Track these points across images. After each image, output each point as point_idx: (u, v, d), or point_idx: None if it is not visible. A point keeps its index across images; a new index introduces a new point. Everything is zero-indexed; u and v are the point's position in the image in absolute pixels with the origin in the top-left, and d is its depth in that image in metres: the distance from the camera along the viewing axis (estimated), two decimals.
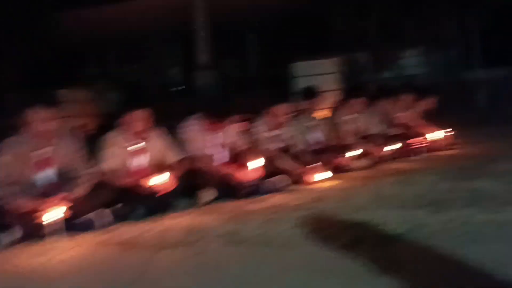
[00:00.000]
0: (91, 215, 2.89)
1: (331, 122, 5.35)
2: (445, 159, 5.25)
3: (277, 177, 3.94)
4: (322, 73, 14.58)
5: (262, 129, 4.40)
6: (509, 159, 4.63)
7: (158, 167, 3.44)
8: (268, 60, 21.37)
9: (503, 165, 4.24)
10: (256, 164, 3.68)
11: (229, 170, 3.70)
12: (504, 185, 3.33)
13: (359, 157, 5.11)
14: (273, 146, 4.43)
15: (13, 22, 14.42)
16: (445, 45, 15.16)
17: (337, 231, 2.47)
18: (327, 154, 4.86)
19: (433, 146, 6.08)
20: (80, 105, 15.52)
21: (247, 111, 14.95)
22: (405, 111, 6.53)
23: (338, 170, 4.78)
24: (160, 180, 3.19)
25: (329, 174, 4.20)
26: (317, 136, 5.05)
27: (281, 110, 4.35)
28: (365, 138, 5.59)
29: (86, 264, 2.33)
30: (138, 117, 3.31)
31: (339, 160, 4.80)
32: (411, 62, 17.65)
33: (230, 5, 17.65)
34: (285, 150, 4.58)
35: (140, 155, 3.41)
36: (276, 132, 4.47)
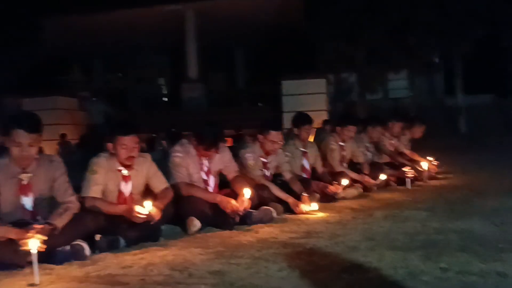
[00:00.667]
0: (69, 247, 2.75)
1: (319, 150, 5.30)
2: (432, 192, 5.24)
3: (266, 207, 3.85)
4: (309, 92, 14.67)
5: (252, 156, 4.31)
6: (496, 194, 4.65)
7: (143, 195, 3.32)
8: (256, 76, 21.48)
9: (491, 202, 4.23)
10: (248, 192, 3.58)
11: (219, 198, 3.60)
12: (495, 226, 3.30)
13: (347, 186, 5.08)
14: (263, 173, 4.35)
15: None
16: (428, 70, 15.45)
17: (329, 276, 2.38)
18: (315, 182, 4.82)
19: (420, 176, 6.08)
20: (64, 113, 15.28)
21: (233, 126, 14.86)
22: (393, 139, 6.55)
23: (326, 198, 4.73)
24: (145, 209, 3.06)
25: (315, 206, 4.11)
26: (306, 164, 5.00)
27: (273, 136, 4.27)
28: (353, 166, 5.58)
29: None
30: (126, 143, 3.19)
31: (327, 189, 4.74)
32: (397, 85, 17.94)
33: (220, 20, 17.76)
34: (274, 179, 4.53)
35: (125, 182, 3.29)
36: (266, 159, 4.40)
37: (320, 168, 5.16)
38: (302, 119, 4.96)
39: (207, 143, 3.67)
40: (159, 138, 13.86)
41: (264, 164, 4.40)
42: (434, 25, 12.11)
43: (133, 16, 17.87)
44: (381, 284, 2.24)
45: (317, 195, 4.71)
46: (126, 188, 3.29)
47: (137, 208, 3.04)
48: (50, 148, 13.73)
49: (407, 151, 6.70)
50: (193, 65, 19.06)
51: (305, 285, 2.28)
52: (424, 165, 6.20)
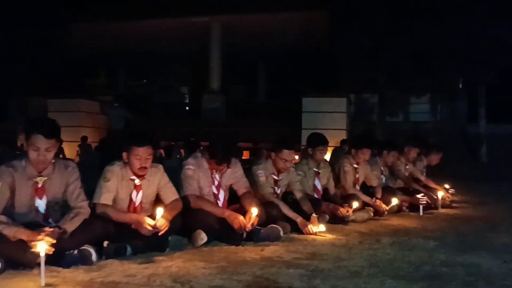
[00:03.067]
0: (77, 251, 2.82)
1: (333, 171, 5.30)
2: (444, 221, 5.18)
3: (273, 225, 3.87)
4: (330, 111, 14.68)
5: (264, 172, 4.35)
6: (509, 229, 4.57)
7: (153, 206, 3.38)
8: (277, 90, 21.59)
9: (503, 237, 4.17)
10: (255, 211, 3.61)
11: (228, 213, 3.63)
12: (504, 263, 3.25)
13: (358, 208, 5.07)
14: (273, 191, 4.38)
15: (26, 30, 14.62)
16: (451, 96, 15.30)
17: None
18: (326, 203, 4.82)
19: (433, 203, 6.02)
20: (86, 116, 15.60)
21: (251, 139, 14.89)
22: (408, 164, 6.50)
23: (335, 220, 4.73)
24: (154, 221, 3.12)
25: (323, 227, 4.11)
26: (318, 184, 5.00)
27: (286, 155, 4.30)
28: (365, 189, 5.56)
29: None
30: (140, 154, 3.26)
31: (338, 211, 4.73)
32: (418, 109, 17.80)
33: (245, 33, 17.96)
34: (285, 196, 4.55)
35: (136, 191, 3.36)
36: (278, 177, 4.43)
37: (332, 189, 5.15)
38: (317, 140, 4.97)
39: (220, 157, 3.72)
40: (177, 147, 14.02)
41: (275, 181, 4.42)
42: (458, 51, 12.02)
43: (160, 25, 18.21)
44: None
45: (327, 216, 4.72)
46: (137, 197, 3.36)
47: (147, 220, 3.10)
48: (71, 149, 14.02)
49: (422, 177, 6.65)
50: (215, 76, 19.30)
51: None
52: (439, 193, 6.14)
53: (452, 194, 6.73)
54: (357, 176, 5.50)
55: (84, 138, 14.24)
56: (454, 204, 6.55)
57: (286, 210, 4.18)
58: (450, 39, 11.66)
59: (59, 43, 16.01)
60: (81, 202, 3.04)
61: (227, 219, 3.60)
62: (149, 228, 3.09)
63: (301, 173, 4.92)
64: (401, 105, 16.24)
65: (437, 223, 4.99)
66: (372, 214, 5.15)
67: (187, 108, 24.86)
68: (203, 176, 3.82)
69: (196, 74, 23.08)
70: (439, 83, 13.27)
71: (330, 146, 13.72)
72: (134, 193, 3.36)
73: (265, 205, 4.08)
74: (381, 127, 14.77)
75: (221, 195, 3.89)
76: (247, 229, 3.58)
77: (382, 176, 5.99)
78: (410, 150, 6.45)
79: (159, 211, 3.12)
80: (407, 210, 5.84)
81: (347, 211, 4.75)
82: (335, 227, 4.49)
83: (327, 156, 13.19)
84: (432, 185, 6.53)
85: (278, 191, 4.46)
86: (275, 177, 4.42)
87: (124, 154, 3.32)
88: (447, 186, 6.98)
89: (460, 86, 14.35)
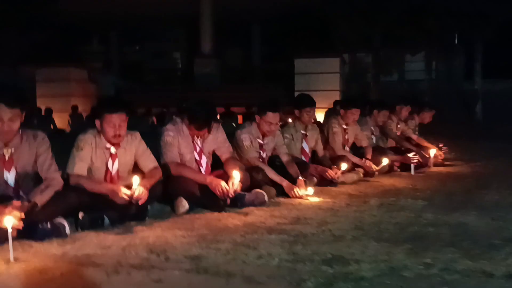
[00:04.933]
0: (49, 224, 2.72)
1: (321, 132, 5.17)
2: (435, 179, 5.10)
3: (258, 190, 3.78)
4: (323, 71, 14.41)
5: (248, 136, 4.22)
6: (499, 187, 4.49)
7: (130, 174, 3.27)
8: (272, 53, 21.18)
9: (492, 195, 4.10)
10: (237, 175, 3.50)
11: (210, 180, 3.53)
12: (492, 221, 3.18)
13: (347, 170, 4.98)
14: (258, 155, 4.26)
15: None
16: (447, 53, 15.02)
17: (306, 268, 2.31)
18: (314, 166, 4.72)
19: (425, 162, 5.94)
20: (75, 84, 15.31)
21: (245, 103, 14.66)
22: (400, 123, 6.38)
23: (324, 183, 4.64)
24: (131, 190, 3.01)
25: (311, 190, 4.02)
26: (306, 147, 4.88)
27: (271, 118, 4.16)
28: (356, 150, 5.46)
29: (33, 280, 2.17)
30: (113, 121, 3.12)
31: (326, 173, 4.64)
32: (413, 67, 17.53)
33: None
34: (273, 160, 4.44)
35: (112, 160, 3.24)
36: (263, 141, 4.30)
37: (320, 151, 5.04)
38: (304, 101, 4.82)
39: (199, 122, 3.59)
40: (169, 113, 13.83)
41: (261, 145, 4.30)
42: (454, 6, 11.69)
43: None
44: (358, 279, 2.16)
45: (315, 179, 4.63)
46: (113, 167, 3.24)
47: (123, 190, 2.99)
48: (62, 120, 13.83)
49: (414, 136, 6.54)
50: (207, 40, 18.86)
51: (279, 276, 2.21)
52: (431, 151, 6.04)
53: (444, 152, 6.63)
54: (346, 137, 5.38)
55: (74, 108, 14.02)
56: (446, 162, 6.47)
57: (272, 174, 4.08)
58: None
59: (47, 9, 15.56)
60: (53, 173, 2.92)
61: (209, 185, 3.50)
62: (125, 197, 2.98)
63: (288, 136, 4.80)
64: (395, 64, 15.97)
65: (427, 182, 4.91)
66: (362, 175, 5.07)
67: (179, 73, 24.50)
68: (183, 142, 3.70)
69: (189, 38, 22.61)
70: (435, 40, 12.96)
71: (323, 108, 13.64)
72: (110, 162, 3.23)
73: (250, 169, 3.98)
74: (375, 87, 14.57)
75: (204, 161, 3.78)
76: (230, 195, 3.49)
77: (373, 136, 5.86)
78: (402, 108, 6.32)
79: (135, 179, 3.00)
80: (399, 169, 5.75)
81: (336, 173, 4.66)
82: (323, 189, 4.40)
83: (320, 117, 13.15)
84: (424, 143, 6.43)
85: (264, 155, 4.34)
86: (260, 141, 4.29)
87: (97, 122, 3.18)
88: (440, 144, 6.89)
89: (456, 42, 14.03)
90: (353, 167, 5.14)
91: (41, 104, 13.96)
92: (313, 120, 4.91)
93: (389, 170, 5.60)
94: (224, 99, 14.77)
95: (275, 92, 14.68)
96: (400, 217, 3.30)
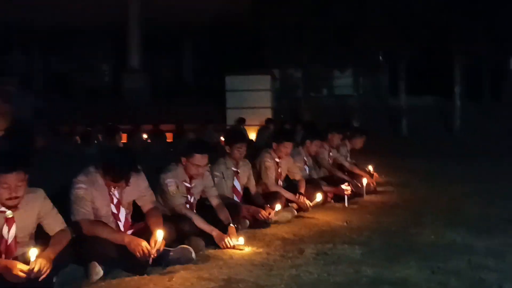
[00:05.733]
0: None
1: (254, 167, 4.91)
2: (369, 213, 4.99)
3: (184, 246, 3.39)
4: (254, 89, 14.26)
5: (174, 181, 3.83)
6: (432, 222, 4.46)
7: (32, 240, 2.79)
8: (204, 68, 20.74)
9: (427, 236, 4.02)
10: (161, 234, 3.11)
11: (128, 239, 3.11)
12: (429, 275, 3.04)
13: (281, 206, 4.75)
14: (186, 201, 3.89)
15: None
16: (373, 70, 15.48)
17: None
18: (246, 206, 4.42)
19: (358, 191, 5.86)
20: None
21: (175, 121, 14.07)
22: (332, 150, 6.28)
23: (257, 224, 4.36)
24: (30, 263, 2.54)
25: (242, 240, 3.71)
26: (237, 185, 4.58)
27: (198, 160, 3.81)
28: (289, 182, 5.25)
29: None
30: (7, 182, 2.62)
31: (259, 214, 4.36)
32: (342, 83, 17.88)
33: (165, 7, 16.84)
34: (200, 204, 4.09)
35: (8, 226, 2.73)
36: (190, 184, 3.94)
37: (253, 188, 4.75)
38: (234, 137, 4.54)
39: (116, 174, 3.16)
40: (95, 132, 13.01)
41: (188, 189, 3.93)
42: (379, 27, 12.01)
43: None
44: None
45: (247, 222, 4.34)
46: (10, 234, 2.74)
47: (18, 265, 2.51)
48: None
49: (346, 164, 6.46)
50: (135, 53, 18.13)
51: None
52: (364, 180, 5.97)
53: (376, 179, 6.61)
54: (279, 170, 5.14)
55: None
56: (378, 188, 6.44)
57: (201, 223, 3.72)
58: (371, 16, 11.58)
59: None
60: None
61: (127, 246, 3.08)
62: (22, 274, 2.50)
63: (218, 174, 4.48)
64: (325, 80, 16.22)
65: (362, 218, 4.78)
66: (296, 211, 4.84)
67: (108, 88, 23.36)
68: (98, 194, 3.24)
69: (118, 51, 21.63)
70: (362, 58, 13.26)
71: (255, 125, 13.41)
72: (5, 228, 2.73)
73: (176, 219, 3.61)
74: (306, 103, 14.64)
75: (122, 215, 3.35)
76: (152, 256, 3.09)
77: (306, 166, 5.69)
78: (334, 136, 6.22)
79: (33, 252, 2.53)
80: (332, 200, 5.61)
81: (269, 213, 4.39)
82: (256, 234, 4.11)
83: (252, 135, 12.94)
84: (357, 171, 6.37)
85: (192, 199, 3.98)
86: (187, 184, 3.93)
87: None
88: (370, 168, 6.88)
89: (381, 59, 14.46)
90: (287, 203, 4.91)
91: None
92: (243, 156, 4.60)
93: (323, 202, 5.43)
94: (154, 116, 14.21)
95: (207, 109, 14.34)
96: (339, 274, 3.07)
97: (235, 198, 4.56)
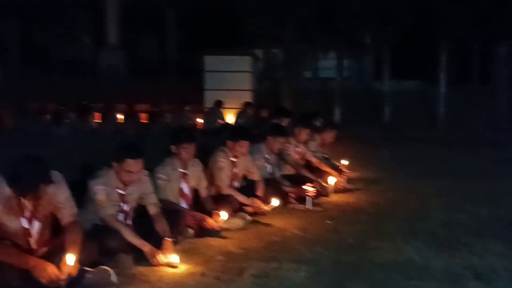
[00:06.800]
0: None
1: (207, 167, 4.51)
2: (329, 219, 4.62)
3: (103, 267, 3.00)
4: (233, 70, 13.72)
5: (104, 188, 3.42)
6: (394, 234, 4.11)
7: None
8: (186, 46, 19.99)
9: (387, 249, 3.68)
10: (71, 259, 2.73)
11: (33, 263, 2.72)
12: None
13: (235, 210, 4.40)
14: (117, 210, 3.50)
15: None
16: (356, 53, 15.00)
17: None
18: (191, 214, 4.05)
19: (323, 191, 5.51)
20: None
21: (151, 100, 13.47)
22: (299, 145, 5.89)
23: (204, 233, 3.99)
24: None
25: (176, 258, 3.33)
26: (185, 188, 4.19)
27: (131, 166, 3.40)
28: (249, 181, 4.88)
29: None
30: None
31: (205, 222, 3.99)
32: (326, 65, 17.36)
33: None
34: (138, 214, 3.69)
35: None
36: (124, 190, 3.53)
37: (203, 191, 4.35)
38: (181, 136, 4.12)
39: (22, 186, 2.75)
40: (67, 111, 12.47)
41: (122, 196, 3.53)
42: (363, 9, 11.50)
43: None
44: None
45: (190, 231, 3.96)
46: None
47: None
48: None
49: (314, 160, 6.06)
50: (113, 28, 17.42)
51: None
52: (330, 180, 5.61)
53: (346, 176, 6.22)
54: (235, 170, 4.75)
55: None
56: (349, 186, 6.08)
57: (131, 237, 3.34)
58: None
59: None
60: None
61: (31, 271, 2.69)
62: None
63: (162, 176, 4.08)
64: (308, 61, 15.71)
65: (320, 226, 4.42)
66: (250, 217, 4.47)
67: (85, 64, 22.56)
68: (3, 208, 2.83)
69: (98, 25, 20.80)
70: (344, 40, 12.77)
71: (234, 108, 12.96)
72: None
73: (101, 235, 3.22)
74: (287, 85, 14.15)
75: (35, 229, 2.94)
76: (61, 282, 2.71)
77: (267, 165, 5.30)
78: (301, 131, 5.80)
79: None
80: (295, 201, 5.22)
81: (216, 223, 4.01)
82: (199, 246, 3.76)
83: (231, 119, 12.49)
84: (325, 168, 5.98)
85: (126, 208, 3.58)
86: (121, 191, 3.53)
87: None
88: (344, 162, 6.48)
89: (365, 43, 13.97)
90: (241, 207, 4.54)
91: None
92: (192, 156, 4.18)
93: (284, 203, 5.08)
94: (131, 95, 13.68)
95: (185, 90, 13.81)
96: None
97: (182, 203, 4.18)
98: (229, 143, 4.64)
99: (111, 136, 10.51)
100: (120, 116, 12.52)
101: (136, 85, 15.03)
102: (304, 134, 5.83)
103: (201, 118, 12.43)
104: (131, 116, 12.65)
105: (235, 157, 4.70)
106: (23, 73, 17.22)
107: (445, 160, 8.58)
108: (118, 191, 3.51)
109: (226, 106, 12.59)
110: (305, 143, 6.02)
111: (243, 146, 4.62)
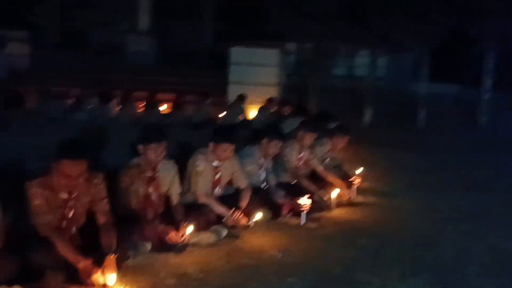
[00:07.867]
0: None
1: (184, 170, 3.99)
2: (316, 243, 3.98)
3: None
4: (259, 63, 13.09)
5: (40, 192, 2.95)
6: (393, 270, 3.44)
7: None
8: (220, 35, 19.45)
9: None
10: None
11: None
12: None
13: (212, 223, 3.86)
14: (57, 217, 3.01)
15: None
16: (393, 54, 14.07)
17: None
18: (152, 226, 3.52)
19: (323, 206, 4.88)
20: None
21: (175, 90, 12.99)
22: (303, 151, 5.27)
23: (165, 248, 3.47)
24: None
25: (113, 278, 2.81)
26: (152, 194, 3.67)
27: (66, 167, 2.90)
28: (231, 194, 4.31)
29: None
30: None
31: (167, 236, 3.46)
32: (358, 62, 16.45)
33: None
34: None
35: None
36: (70, 195, 3.04)
37: (175, 198, 3.81)
38: (149, 135, 3.58)
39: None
40: (88, 96, 12.25)
41: (64, 202, 3.04)
42: (400, 6, 10.65)
43: None
44: None
45: (148, 246, 3.43)
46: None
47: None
48: None
49: (320, 168, 5.38)
50: (146, 14, 17.14)
51: None
52: (334, 192, 4.95)
53: (357, 185, 5.51)
54: (217, 176, 4.19)
55: None
56: (357, 199, 5.40)
57: (65, 251, 2.83)
58: None
59: None
60: None
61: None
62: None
63: (126, 179, 3.58)
64: (338, 58, 14.91)
65: (307, 248, 3.81)
66: (225, 232, 3.89)
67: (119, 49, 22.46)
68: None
69: (132, 9, 20.62)
70: (380, 37, 11.92)
71: (259, 104, 12.33)
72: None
73: (27, 249, 2.75)
74: (315, 81, 13.42)
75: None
76: None
77: (260, 171, 4.70)
78: (304, 135, 5.14)
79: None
80: (289, 215, 4.60)
81: (182, 236, 3.48)
82: (153, 263, 3.25)
83: (253, 114, 11.89)
84: (330, 178, 5.30)
85: (70, 214, 3.09)
86: (64, 196, 3.03)
87: None
88: (359, 171, 5.77)
89: (403, 43, 13.03)
90: (219, 219, 3.98)
91: None
92: (161, 157, 3.65)
93: (275, 216, 4.48)
94: (155, 83, 13.37)
95: (211, 82, 13.33)
96: None
97: (148, 211, 3.66)
98: (210, 145, 4.08)
99: (126, 126, 10.18)
100: (140, 105, 12.18)
101: (162, 73, 14.70)
102: (308, 138, 5.18)
103: (222, 113, 11.92)
104: (152, 105, 12.30)
105: (219, 160, 4.13)
106: (57, 57, 17.22)
107: (479, 173, 7.62)
108: (61, 196, 3.02)
109: (251, 101, 11.99)
110: (311, 148, 5.37)
111: (226, 150, 4.05)
